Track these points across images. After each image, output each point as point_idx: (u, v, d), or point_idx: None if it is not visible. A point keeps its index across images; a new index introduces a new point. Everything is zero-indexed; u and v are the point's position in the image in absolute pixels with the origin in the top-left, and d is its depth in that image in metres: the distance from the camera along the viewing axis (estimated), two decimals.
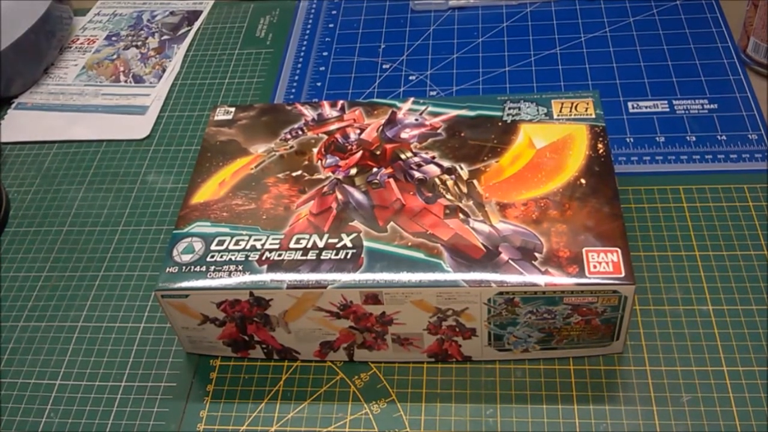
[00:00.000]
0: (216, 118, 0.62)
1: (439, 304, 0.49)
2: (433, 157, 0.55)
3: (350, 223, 0.52)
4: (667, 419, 0.49)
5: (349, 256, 0.50)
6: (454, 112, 0.59)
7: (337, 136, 0.59)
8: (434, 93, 0.74)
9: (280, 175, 0.56)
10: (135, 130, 0.75)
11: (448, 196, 0.53)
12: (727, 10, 0.77)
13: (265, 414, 0.52)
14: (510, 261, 0.48)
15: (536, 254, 0.48)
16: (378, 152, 0.57)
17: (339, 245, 0.51)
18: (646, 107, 0.69)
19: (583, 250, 0.48)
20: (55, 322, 0.60)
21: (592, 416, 0.50)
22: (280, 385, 0.54)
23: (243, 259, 0.51)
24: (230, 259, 0.51)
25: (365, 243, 0.51)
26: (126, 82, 0.81)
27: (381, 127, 0.59)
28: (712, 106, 0.68)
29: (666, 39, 0.75)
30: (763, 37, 0.68)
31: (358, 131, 0.59)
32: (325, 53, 0.80)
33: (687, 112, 0.68)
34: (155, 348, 0.57)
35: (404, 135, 0.58)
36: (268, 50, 0.82)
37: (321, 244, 0.51)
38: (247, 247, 0.51)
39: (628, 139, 0.66)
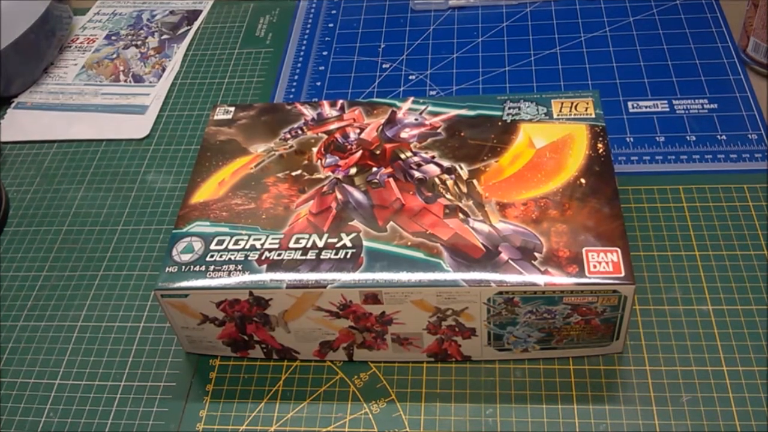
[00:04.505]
0: (216, 117, 0.62)
1: (438, 304, 0.49)
2: (433, 157, 0.55)
3: (350, 223, 0.52)
4: (667, 419, 0.49)
5: (348, 256, 0.50)
6: (453, 112, 0.59)
7: (337, 135, 0.59)
8: (434, 92, 0.74)
9: (279, 175, 0.56)
10: (135, 129, 0.75)
11: (448, 196, 0.53)
12: (727, 9, 0.77)
13: (265, 414, 0.52)
14: (510, 261, 0.48)
15: (536, 254, 0.48)
16: (378, 152, 0.57)
17: (338, 245, 0.51)
18: (646, 107, 0.69)
19: (583, 249, 0.48)
20: (55, 321, 0.60)
21: (591, 416, 0.50)
22: (280, 384, 0.54)
23: (242, 258, 0.51)
24: (230, 258, 0.51)
25: (365, 243, 0.51)
26: (126, 81, 0.81)
27: (381, 127, 0.59)
28: (712, 105, 0.68)
29: (666, 39, 0.75)
30: (763, 37, 0.68)
31: (357, 131, 0.59)
32: (324, 53, 0.80)
33: (687, 111, 0.68)
34: (155, 348, 0.57)
35: (404, 135, 0.58)
36: (267, 50, 0.82)
37: (320, 244, 0.51)
38: (247, 247, 0.51)
39: (628, 139, 0.66)
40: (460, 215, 0.51)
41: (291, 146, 0.58)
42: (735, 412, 0.49)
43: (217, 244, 0.52)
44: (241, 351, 0.55)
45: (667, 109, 0.68)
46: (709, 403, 0.50)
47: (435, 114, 0.59)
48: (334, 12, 0.85)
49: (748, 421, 0.48)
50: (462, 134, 0.57)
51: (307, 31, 0.83)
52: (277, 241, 0.52)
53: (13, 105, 0.80)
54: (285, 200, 0.54)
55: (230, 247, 0.52)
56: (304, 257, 0.50)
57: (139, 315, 0.59)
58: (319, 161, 0.57)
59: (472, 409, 0.51)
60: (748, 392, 0.50)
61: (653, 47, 0.74)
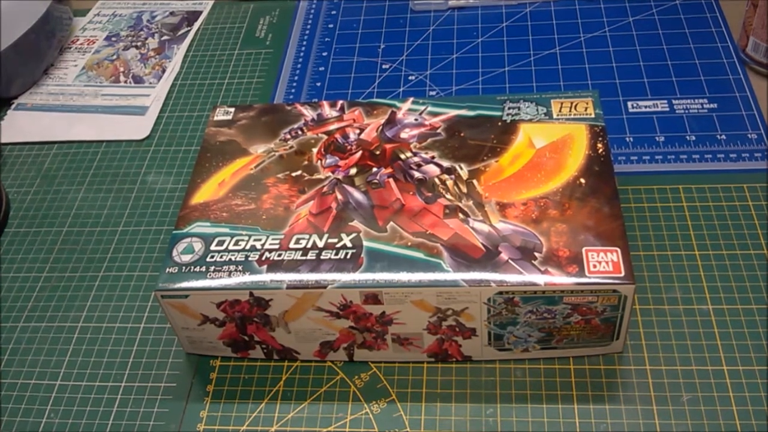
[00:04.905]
0: (216, 118, 0.62)
1: (438, 304, 0.49)
2: (433, 157, 0.55)
3: (350, 223, 0.52)
4: (668, 419, 0.49)
5: (348, 256, 0.50)
6: (453, 112, 0.59)
7: (337, 136, 0.59)
8: (434, 93, 0.74)
9: (279, 176, 0.56)
10: (135, 130, 0.75)
11: (448, 196, 0.53)
12: (726, 9, 0.77)
13: (265, 414, 0.52)
14: (510, 261, 0.48)
15: (536, 254, 0.48)
16: (378, 152, 0.57)
17: (339, 245, 0.51)
18: (645, 107, 0.69)
19: (583, 249, 0.48)
20: (55, 322, 0.60)
21: (592, 416, 0.50)
22: (280, 385, 0.54)
23: (243, 259, 0.51)
24: (230, 259, 0.51)
25: (365, 243, 0.51)
26: (126, 82, 0.81)
27: (380, 127, 0.59)
28: (711, 105, 0.68)
29: (665, 38, 0.75)
30: (762, 37, 0.68)
31: (357, 131, 0.59)
32: (324, 53, 0.80)
33: (686, 111, 0.68)
34: (155, 348, 0.57)
35: (404, 135, 0.58)
36: (267, 50, 0.82)
37: (321, 244, 0.51)
38: (247, 248, 0.51)
39: (627, 139, 0.66)
40: (460, 215, 0.51)
41: (291, 147, 0.58)
42: (735, 411, 0.49)
43: (217, 245, 0.52)
44: (242, 351, 0.55)
45: (667, 109, 0.68)
46: (709, 402, 0.50)
47: (435, 114, 0.59)
48: (333, 13, 0.85)
49: (749, 420, 0.48)
50: (462, 134, 0.57)
51: (307, 32, 0.83)
52: (277, 241, 0.52)
53: (13, 106, 0.80)
54: (285, 201, 0.54)
55: (230, 247, 0.52)
56: (304, 258, 0.50)
57: (140, 316, 0.60)
58: (319, 162, 0.57)
59: (473, 409, 0.51)
60: (748, 391, 0.50)
61: (653, 47, 0.74)
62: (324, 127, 0.60)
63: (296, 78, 0.77)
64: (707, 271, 0.56)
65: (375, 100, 0.61)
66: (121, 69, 0.83)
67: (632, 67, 0.73)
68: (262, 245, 0.51)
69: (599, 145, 0.54)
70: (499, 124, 0.57)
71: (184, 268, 0.51)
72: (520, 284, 0.47)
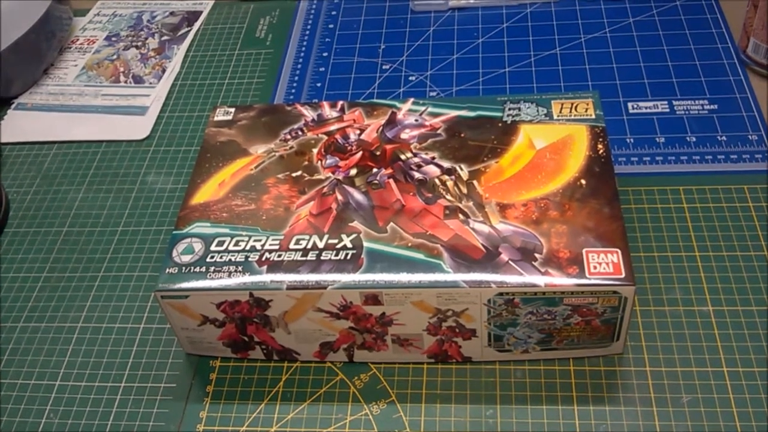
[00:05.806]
0: (216, 118, 0.62)
1: (439, 305, 0.49)
2: (433, 158, 0.55)
3: (350, 224, 0.52)
4: (668, 420, 0.49)
5: (349, 257, 0.50)
6: (454, 113, 0.59)
7: (337, 136, 0.59)
8: (434, 93, 0.74)
9: (279, 176, 0.56)
10: (135, 130, 0.75)
11: (448, 197, 0.53)
12: (727, 10, 0.77)
13: (265, 415, 0.52)
14: (510, 262, 0.48)
15: (536, 255, 0.48)
16: (378, 153, 0.57)
17: (339, 246, 0.51)
18: (646, 108, 0.69)
19: (583, 250, 0.48)
20: (55, 322, 0.60)
21: (592, 417, 0.50)
22: (280, 385, 0.54)
23: (243, 259, 0.51)
24: (230, 259, 0.51)
25: (365, 244, 0.51)
26: (126, 82, 0.81)
27: (381, 128, 0.59)
28: (712, 106, 0.68)
29: (666, 39, 0.75)
30: (763, 38, 0.68)
31: (357, 132, 0.59)
32: (324, 54, 0.80)
33: (687, 112, 0.68)
34: (155, 349, 0.57)
35: (404, 135, 0.58)
36: (267, 51, 0.82)
37: (321, 245, 0.51)
38: (247, 248, 0.51)
39: (628, 140, 0.66)
40: (460, 216, 0.51)
41: (291, 147, 0.58)
42: (735, 412, 0.49)
43: (217, 245, 0.52)
44: (242, 352, 0.55)
45: (667, 110, 0.68)
46: (709, 403, 0.50)
47: (435, 115, 0.59)
48: (334, 13, 0.85)
49: (749, 421, 0.48)
50: (462, 135, 0.57)
51: (307, 32, 0.83)
52: (277, 242, 0.52)
53: (13, 106, 0.80)
54: (285, 201, 0.54)
55: (230, 248, 0.52)
56: (304, 258, 0.50)
57: (140, 316, 0.59)
58: (319, 162, 0.57)
59: (473, 410, 0.51)
60: (748, 393, 0.50)
61: (653, 48, 0.74)
62: (324, 127, 0.59)
63: (296, 78, 0.77)
64: (707, 272, 0.56)
65: (375, 100, 0.61)
66: (121, 69, 0.83)
67: (633, 68, 0.72)
68: (262, 246, 0.51)
69: (600, 146, 0.54)
70: (500, 124, 0.57)
71: (184, 268, 0.51)
72: (521, 285, 0.47)
